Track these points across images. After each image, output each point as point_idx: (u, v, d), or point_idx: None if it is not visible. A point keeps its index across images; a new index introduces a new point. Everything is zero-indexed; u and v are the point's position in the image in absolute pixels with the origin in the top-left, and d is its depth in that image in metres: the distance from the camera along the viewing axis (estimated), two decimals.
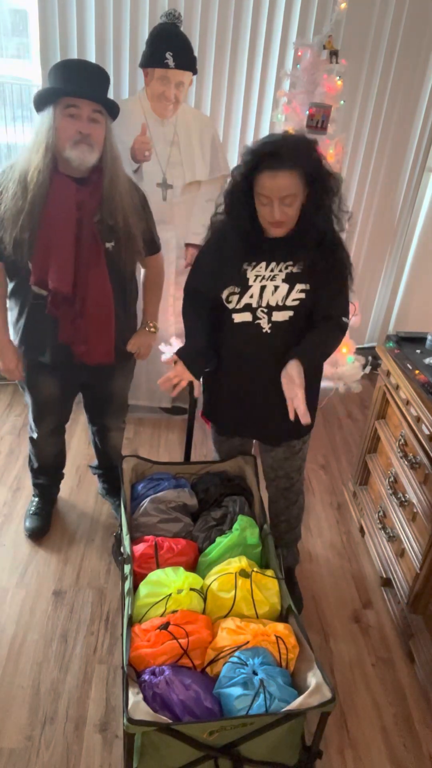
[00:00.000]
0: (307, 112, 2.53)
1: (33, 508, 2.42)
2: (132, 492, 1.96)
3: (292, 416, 1.63)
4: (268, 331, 1.70)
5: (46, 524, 2.39)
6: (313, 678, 1.35)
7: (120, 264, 1.88)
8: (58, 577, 2.20)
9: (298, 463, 1.97)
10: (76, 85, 1.69)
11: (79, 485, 2.67)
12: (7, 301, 1.96)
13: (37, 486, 2.43)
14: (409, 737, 1.79)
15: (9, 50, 3.18)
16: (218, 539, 1.73)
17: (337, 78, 2.58)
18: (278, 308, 1.69)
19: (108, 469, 2.49)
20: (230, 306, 1.73)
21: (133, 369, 2.25)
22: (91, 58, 2.89)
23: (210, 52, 2.97)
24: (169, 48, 2.44)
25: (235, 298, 1.72)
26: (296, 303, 1.68)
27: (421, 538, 1.99)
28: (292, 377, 1.63)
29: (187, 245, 2.86)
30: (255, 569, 1.63)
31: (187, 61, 2.51)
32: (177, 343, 2.82)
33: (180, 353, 1.82)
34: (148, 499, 1.86)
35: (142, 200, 1.93)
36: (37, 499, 2.43)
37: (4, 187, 1.75)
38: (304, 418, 1.61)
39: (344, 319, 1.74)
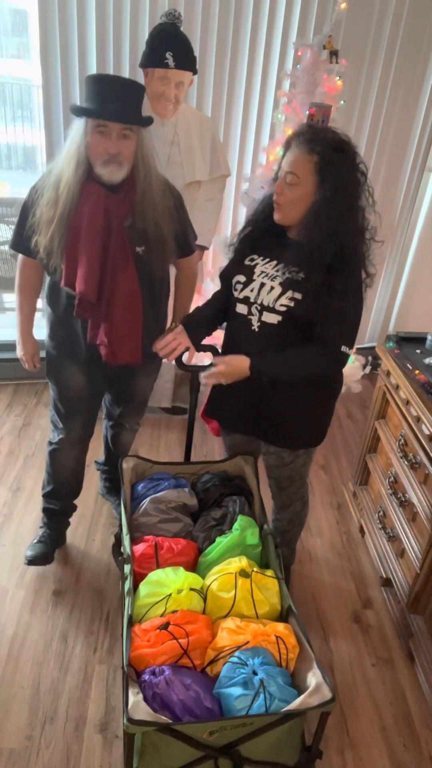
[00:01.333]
0: (307, 112, 2.53)
1: (37, 538, 2.27)
2: (132, 492, 1.96)
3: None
4: (256, 330, 1.70)
5: (49, 553, 2.22)
6: (313, 678, 1.35)
7: (151, 267, 1.87)
8: (58, 577, 2.20)
9: (288, 473, 1.92)
10: (106, 105, 1.67)
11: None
12: (44, 298, 2.00)
13: (46, 512, 2.28)
14: (409, 737, 1.79)
15: (9, 50, 3.19)
16: (218, 539, 1.73)
17: (337, 78, 2.58)
18: (269, 309, 1.68)
19: (114, 466, 2.47)
20: (235, 294, 1.75)
21: (158, 369, 2.26)
22: (92, 58, 2.89)
23: (210, 52, 2.97)
24: (169, 48, 2.44)
25: (240, 287, 1.74)
26: (283, 309, 1.64)
27: (421, 538, 1.99)
28: (220, 369, 1.67)
29: None
30: (255, 569, 1.63)
31: (187, 61, 2.51)
32: None
33: (183, 319, 1.89)
34: (148, 499, 1.86)
35: (177, 202, 1.92)
36: (43, 528, 2.29)
37: (40, 193, 1.78)
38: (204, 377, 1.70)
39: (343, 348, 1.64)
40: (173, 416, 3.28)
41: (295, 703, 1.30)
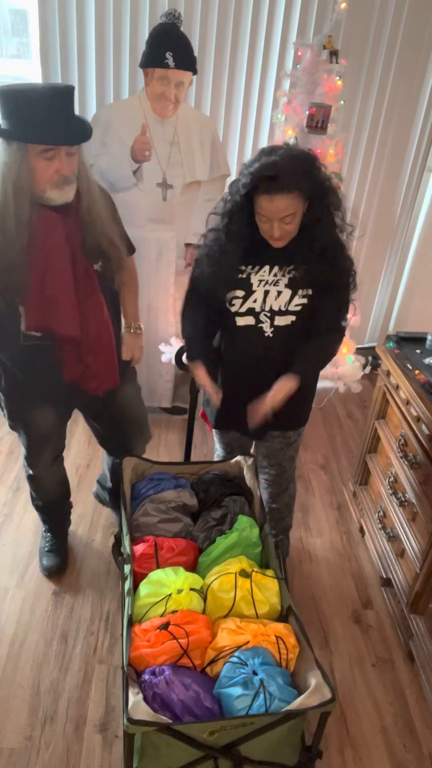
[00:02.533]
0: (307, 112, 2.53)
1: (47, 545, 2.26)
2: (132, 492, 1.95)
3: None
4: (270, 335, 1.73)
5: (64, 561, 2.24)
6: (313, 678, 1.35)
7: (110, 281, 1.81)
8: (58, 578, 2.20)
9: (291, 453, 2.01)
10: (52, 127, 1.48)
11: (79, 485, 2.66)
12: None
13: (46, 522, 2.28)
14: (409, 737, 1.79)
15: (9, 50, 3.18)
16: (218, 539, 1.73)
17: (337, 78, 2.58)
18: (281, 313, 1.71)
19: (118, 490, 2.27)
20: (233, 309, 1.74)
21: (135, 375, 2.11)
22: (91, 58, 2.89)
23: (210, 52, 2.97)
24: (169, 48, 2.44)
25: (239, 302, 1.73)
26: (299, 308, 1.71)
27: (421, 538, 1.99)
28: (274, 396, 1.70)
29: (187, 245, 2.86)
30: (255, 569, 1.63)
31: (187, 61, 2.51)
32: (177, 343, 2.82)
33: (193, 359, 1.83)
34: (148, 499, 1.86)
35: (109, 201, 1.80)
36: (49, 534, 2.28)
37: None
38: (251, 423, 1.74)
39: (343, 323, 1.77)
40: (173, 416, 3.28)
41: (295, 703, 1.30)
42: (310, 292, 1.70)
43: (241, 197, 1.61)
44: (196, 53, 2.56)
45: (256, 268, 1.71)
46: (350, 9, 2.76)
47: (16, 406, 1.91)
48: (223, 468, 2.04)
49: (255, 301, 1.71)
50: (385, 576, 2.26)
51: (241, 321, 1.74)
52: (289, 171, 1.53)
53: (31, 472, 2.11)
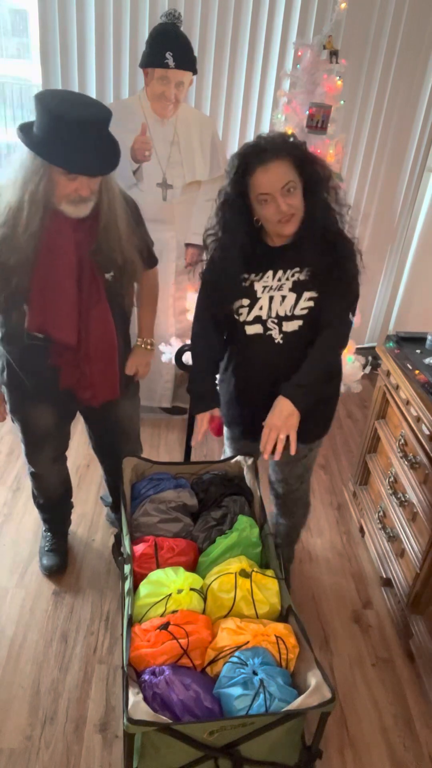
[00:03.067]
0: (307, 112, 2.53)
1: (47, 545, 2.26)
2: (132, 492, 1.95)
3: (265, 454, 1.62)
4: (280, 342, 1.68)
5: (64, 561, 2.24)
6: (313, 678, 1.35)
7: (120, 292, 1.78)
8: (58, 578, 2.20)
9: (300, 471, 1.91)
10: (80, 155, 1.47)
11: (79, 485, 2.66)
12: None
13: (47, 521, 2.28)
14: (409, 737, 1.79)
15: (9, 50, 3.18)
16: (218, 539, 1.73)
17: (337, 78, 2.58)
18: (287, 318, 1.66)
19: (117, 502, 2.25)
20: (241, 318, 1.70)
21: (138, 390, 2.10)
22: (91, 58, 2.89)
23: (210, 52, 2.97)
24: (169, 48, 2.44)
25: (245, 310, 1.68)
26: (305, 312, 1.65)
27: (421, 538, 1.99)
28: (272, 423, 1.60)
29: (187, 245, 2.86)
30: (255, 569, 1.63)
31: (187, 61, 2.51)
32: (177, 343, 2.82)
33: (196, 406, 1.81)
34: (148, 499, 1.86)
35: (134, 214, 1.78)
36: (49, 534, 2.28)
37: None
38: (276, 455, 1.61)
39: (350, 317, 1.69)
40: (173, 416, 3.28)
41: (295, 703, 1.30)
42: (315, 294, 1.64)
43: (232, 187, 1.57)
44: (196, 53, 2.57)
45: (260, 274, 1.67)
46: (350, 9, 2.76)
47: (16, 400, 1.91)
48: (223, 468, 2.04)
49: (261, 309, 1.67)
50: (385, 576, 2.26)
51: (250, 330, 1.69)
52: (273, 139, 1.54)
53: (33, 469, 2.11)
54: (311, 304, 1.64)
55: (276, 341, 1.68)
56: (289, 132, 2.57)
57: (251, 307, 1.67)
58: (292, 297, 1.64)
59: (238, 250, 1.63)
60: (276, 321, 1.66)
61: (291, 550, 2.22)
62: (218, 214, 1.64)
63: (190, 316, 2.89)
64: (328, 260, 1.61)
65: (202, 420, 1.82)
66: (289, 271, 1.65)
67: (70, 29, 2.82)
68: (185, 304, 2.90)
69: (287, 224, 1.57)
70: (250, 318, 1.68)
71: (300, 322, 1.65)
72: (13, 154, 1.56)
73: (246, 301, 1.68)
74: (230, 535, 1.72)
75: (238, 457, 2.03)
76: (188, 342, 2.77)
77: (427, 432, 1.93)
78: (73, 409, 1.99)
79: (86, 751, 1.66)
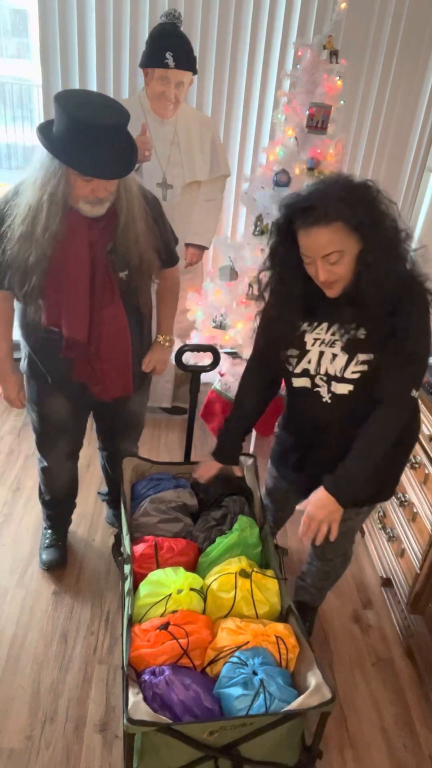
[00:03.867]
0: (307, 112, 2.52)
1: (47, 541, 2.28)
2: (132, 492, 1.95)
3: (305, 541, 1.51)
4: (329, 401, 1.51)
5: (64, 556, 2.25)
6: (313, 678, 1.35)
7: (135, 291, 1.78)
8: (57, 577, 2.20)
9: (342, 530, 1.61)
10: (92, 161, 1.49)
11: (79, 485, 2.66)
12: (20, 328, 1.86)
13: (49, 518, 2.29)
14: (409, 737, 1.79)
15: (9, 50, 3.19)
16: (218, 539, 1.73)
17: (337, 78, 2.57)
18: (338, 379, 1.47)
19: (119, 495, 2.28)
20: (290, 368, 1.55)
21: (149, 386, 2.11)
22: (92, 58, 2.89)
23: (210, 52, 2.97)
24: (169, 48, 2.44)
25: (294, 361, 1.53)
26: (357, 376, 1.45)
27: (421, 538, 1.99)
28: (314, 514, 1.46)
29: (188, 245, 2.86)
30: (255, 569, 1.63)
31: (187, 61, 2.51)
32: (177, 343, 2.81)
33: (216, 455, 1.78)
34: (148, 499, 1.86)
35: (154, 211, 1.77)
36: (50, 531, 2.29)
37: (10, 227, 1.60)
38: (317, 541, 1.48)
39: (413, 393, 1.44)
40: (173, 416, 3.28)
41: (295, 703, 1.30)
42: (371, 357, 1.43)
43: (280, 235, 1.43)
44: (196, 53, 2.56)
45: (314, 324, 1.50)
46: (350, 9, 2.76)
47: (35, 390, 1.94)
48: (223, 468, 2.03)
49: (309, 362, 1.50)
50: (385, 576, 2.26)
51: (297, 382, 1.54)
52: (326, 198, 1.31)
53: (44, 463, 2.12)
54: (364, 368, 1.44)
55: (324, 400, 1.51)
56: (290, 133, 2.57)
57: (300, 358, 1.52)
58: (343, 358, 1.46)
59: (292, 292, 1.49)
60: (325, 379, 1.50)
61: (318, 597, 2.02)
62: (270, 257, 1.50)
63: (191, 316, 2.89)
64: (388, 321, 1.40)
65: (211, 467, 1.79)
66: (345, 326, 1.45)
67: (70, 29, 2.82)
68: (185, 304, 2.90)
69: (329, 289, 1.43)
70: (299, 370, 1.53)
71: (351, 387, 1.47)
72: (35, 153, 1.60)
73: (295, 351, 1.53)
74: (230, 535, 1.72)
75: (239, 457, 2.02)
76: (188, 342, 2.78)
77: (427, 432, 1.93)
78: (87, 403, 2.01)
79: (86, 751, 1.66)
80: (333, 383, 1.48)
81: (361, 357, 1.44)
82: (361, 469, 1.47)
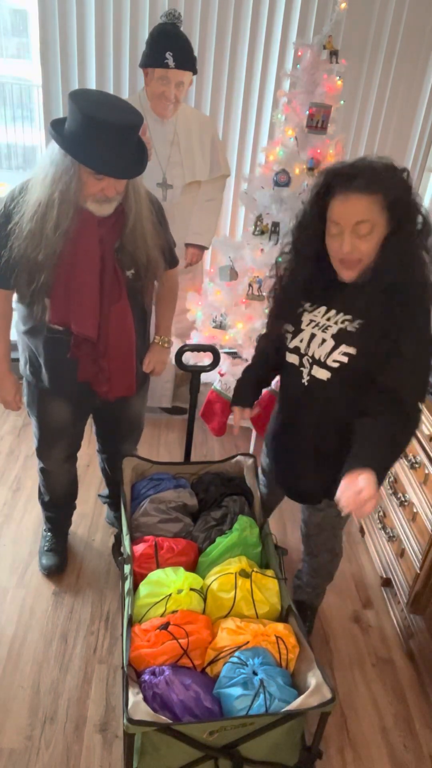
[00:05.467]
0: (307, 112, 2.52)
1: (47, 544, 2.27)
2: (132, 492, 1.95)
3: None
4: (306, 384, 1.55)
5: (63, 560, 2.25)
6: (313, 678, 1.35)
7: (140, 290, 1.79)
8: (57, 578, 2.20)
9: (317, 521, 1.75)
10: (110, 159, 1.50)
11: (80, 485, 2.66)
12: (19, 330, 1.84)
13: (49, 520, 2.28)
14: (409, 737, 1.79)
15: (9, 50, 3.19)
16: (218, 539, 1.73)
17: (337, 78, 2.58)
18: (319, 364, 1.50)
19: (119, 497, 2.26)
20: (286, 342, 1.59)
21: (148, 387, 2.11)
22: (91, 58, 2.89)
23: (210, 52, 2.97)
24: (169, 48, 2.44)
25: (289, 336, 1.58)
26: (336, 365, 1.47)
27: (421, 538, 1.99)
28: (366, 486, 1.29)
29: (188, 245, 2.86)
30: (255, 569, 1.63)
31: (187, 61, 2.51)
32: (177, 343, 2.81)
33: (234, 400, 1.78)
34: (148, 499, 1.86)
35: (159, 214, 1.80)
36: (49, 534, 2.29)
37: (18, 223, 1.59)
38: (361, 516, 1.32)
39: (419, 405, 1.41)
40: (173, 416, 3.28)
41: (295, 704, 1.30)
42: (353, 350, 1.44)
43: (311, 202, 1.43)
44: (196, 53, 2.57)
45: (315, 306, 1.54)
46: (350, 9, 2.76)
47: (35, 394, 1.93)
48: (223, 468, 2.04)
49: (301, 341, 1.54)
50: (385, 576, 2.26)
51: (289, 357, 1.59)
52: (372, 168, 1.34)
53: (42, 465, 2.12)
54: (344, 359, 1.45)
55: (303, 380, 1.55)
56: (289, 133, 2.57)
57: (294, 335, 1.57)
58: (330, 344, 1.48)
59: (305, 277, 1.52)
60: (310, 361, 1.53)
61: (314, 596, 2.03)
62: (294, 231, 1.52)
63: (190, 316, 2.90)
64: (388, 322, 1.38)
65: (239, 412, 1.76)
66: (341, 315, 1.48)
67: (70, 29, 2.82)
68: (185, 304, 2.90)
69: (347, 269, 1.42)
70: (291, 346, 1.58)
71: (329, 374, 1.49)
72: (46, 150, 1.59)
73: (291, 328, 1.58)
74: (230, 535, 1.72)
75: (239, 457, 2.03)
76: (188, 342, 2.78)
77: (427, 432, 1.93)
78: (88, 406, 2.00)
79: (86, 751, 1.66)
80: (315, 367, 1.52)
81: (344, 348, 1.46)
82: (388, 459, 1.41)
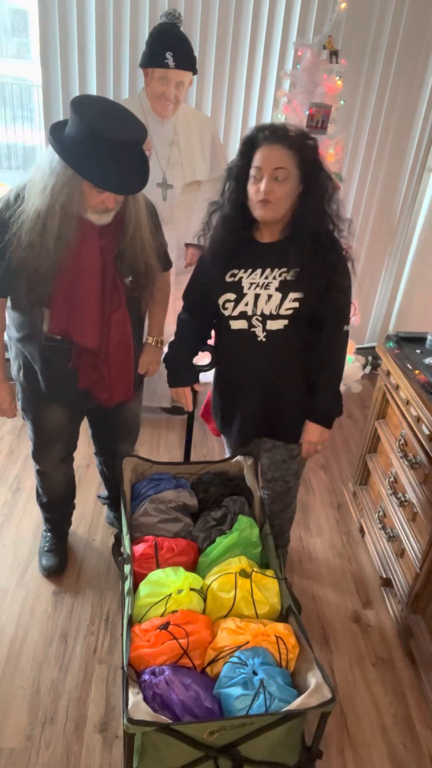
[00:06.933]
0: (307, 112, 2.53)
1: (47, 545, 2.27)
2: (132, 492, 1.95)
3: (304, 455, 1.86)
4: (263, 339, 1.70)
5: (63, 561, 2.24)
6: (313, 678, 1.35)
7: (137, 297, 1.79)
8: (57, 578, 2.20)
9: (295, 468, 1.95)
10: (106, 175, 1.48)
11: (79, 485, 2.65)
12: (12, 336, 1.83)
13: (48, 521, 2.28)
14: (409, 737, 1.79)
15: (9, 50, 3.19)
16: (218, 539, 1.73)
17: (337, 78, 2.58)
18: (272, 317, 1.68)
19: (118, 497, 2.27)
20: (226, 313, 1.72)
21: (143, 388, 2.11)
22: (91, 58, 2.89)
23: (210, 52, 2.98)
24: (169, 48, 2.44)
25: (231, 305, 1.71)
26: (290, 312, 1.67)
27: (421, 538, 1.99)
28: (313, 443, 1.81)
29: (187, 245, 2.86)
30: (255, 569, 1.63)
31: (187, 61, 2.51)
32: None
33: (172, 380, 1.94)
34: (148, 499, 1.86)
35: (154, 218, 1.79)
36: (49, 534, 2.29)
37: (16, 234, 1.56)
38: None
39: (345, 327, 1.73)
40: (173, 416, 3.28)
41: (295, 703, 1.30)
42: (301, 295, 1.66)
43: (240, 156, 1.63)
44: (196, 53, 2.57)
45: (249, 271, 1.70)
46: (350, 9, 2.77)
47: (29, 399, 1.92)
48: (223, 468, 2.04)
49: (247, 305, 1.69)
50: (385, 576, 2.26)
51: (234, 325, 1.72)
52: (292, 130, 1.59)
53: (38, 467, 2.12)
54: (296, 305, 1.66)
55: (259, 338, 1.70)
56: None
57: (237, 302, 1.70)
58: (278, 296, 1.66)
59: (231, 239, 1.69)
60: (260, 319, 1.69)
61: (279, 532, 2.15)
62: (224, 183, 1.70)
63: None
64: (315, 265, 1.63)
65: (182, 392, 1.94)
66: (276, 270, 1.68)
67: (70, 29, 2.82)
68: None
69: (262, 208, 1.61)
70: (236, 313, 1.71)
71: (285, 322, 1.67)
72: (40, 157, 1.57)
73: (232, 296, 1.70)
74: (230, 535, 1.72)
75: (238, 457, 2.03)
76: None
77: (427, 432, 1.93)
78: (84, 409, 2.00)
79: (86, 751, 1.66)
80: (268, 322, 1.69)
81: (293, 295, 1.66)
82: (333, 385, 1.78)
